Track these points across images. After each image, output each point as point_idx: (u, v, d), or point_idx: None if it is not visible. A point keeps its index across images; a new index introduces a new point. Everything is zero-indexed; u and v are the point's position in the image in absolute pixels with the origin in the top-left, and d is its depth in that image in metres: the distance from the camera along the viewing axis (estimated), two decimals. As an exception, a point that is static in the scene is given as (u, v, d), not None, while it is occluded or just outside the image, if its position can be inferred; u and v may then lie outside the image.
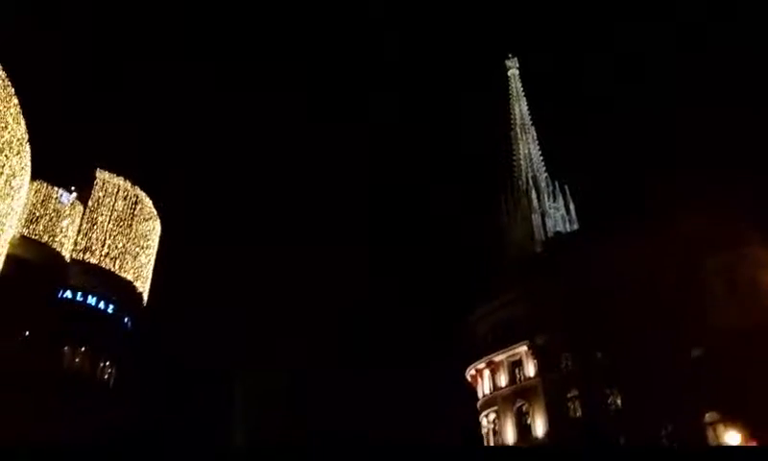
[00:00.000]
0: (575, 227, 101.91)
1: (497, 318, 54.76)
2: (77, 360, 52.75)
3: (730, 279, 37.66)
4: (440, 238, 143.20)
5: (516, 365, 51.44)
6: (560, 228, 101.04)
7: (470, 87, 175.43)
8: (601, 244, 46.82)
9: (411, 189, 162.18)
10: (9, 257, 41.01)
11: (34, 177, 46.55)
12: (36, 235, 51.07)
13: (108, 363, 54.82)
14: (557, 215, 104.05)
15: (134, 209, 56.82)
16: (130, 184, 58.01)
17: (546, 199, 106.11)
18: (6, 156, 39.12)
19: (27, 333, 49.31)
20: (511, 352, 51.79)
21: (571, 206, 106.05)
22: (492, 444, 50.95)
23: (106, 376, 55.03)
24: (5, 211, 39.71)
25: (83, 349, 53.00)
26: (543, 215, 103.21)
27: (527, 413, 49.21)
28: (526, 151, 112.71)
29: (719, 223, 38.17)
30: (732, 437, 33.71)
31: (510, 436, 49.52)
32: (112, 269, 54.42)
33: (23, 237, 49.67)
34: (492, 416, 51.87)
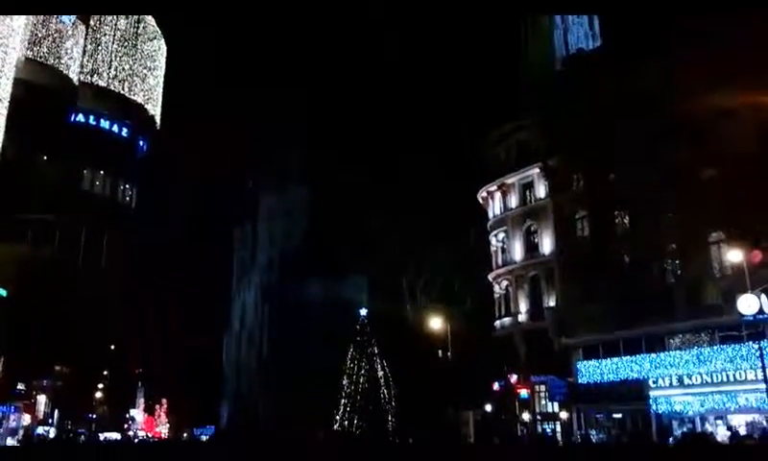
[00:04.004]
0: (598, 44, 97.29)
1: (511, 140, 54.48)
2: (97, 183, 54.08)
3: (753, 102, 36.30)
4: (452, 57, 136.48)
5: (528, 187, 52.06)
6: (582, 44, 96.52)
7: None
8: (624, 63, 44.94)
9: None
10: (17, 81, 40.54)
11: (30, -6, 44.69)
12: (40, 57, 49.97)
13: (127, 186, 56.18)
14: (580, 31, 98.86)
15: (137, 28, 54.85)
16: (130, 1, 55.61)
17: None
18: (-3, -29, 37.29)
19: (45, 157, 50.09)
20: (523, 175, 52.18)
21: (595, 22, 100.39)
22: (500, 262, 53.02)
23: (127, 199, 56.71)
24: (6, 33, 38.59)
25: (101, 172, 54.09)
26: (565, 31, 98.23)
27: (535, 232, 50.65)
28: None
29: (751, 47, 35.98)
30: (735, 255, 34.39)
31: (518, 254, 51.41)
32: (122, 91, 53.83)
33: (28, 60, 48.74)
34: (502, 235, 53.49)
